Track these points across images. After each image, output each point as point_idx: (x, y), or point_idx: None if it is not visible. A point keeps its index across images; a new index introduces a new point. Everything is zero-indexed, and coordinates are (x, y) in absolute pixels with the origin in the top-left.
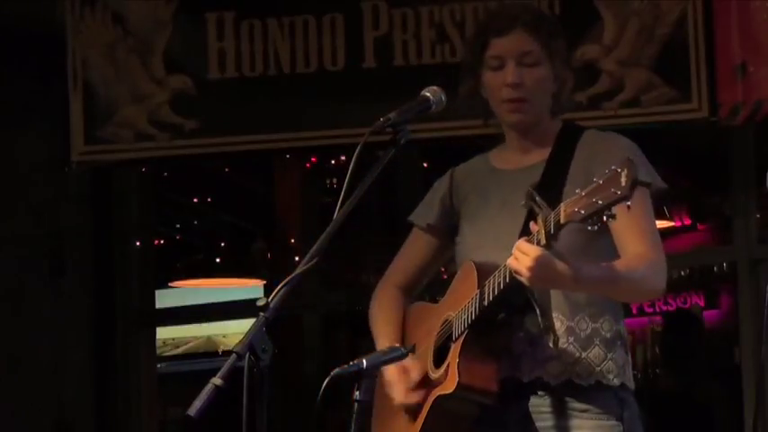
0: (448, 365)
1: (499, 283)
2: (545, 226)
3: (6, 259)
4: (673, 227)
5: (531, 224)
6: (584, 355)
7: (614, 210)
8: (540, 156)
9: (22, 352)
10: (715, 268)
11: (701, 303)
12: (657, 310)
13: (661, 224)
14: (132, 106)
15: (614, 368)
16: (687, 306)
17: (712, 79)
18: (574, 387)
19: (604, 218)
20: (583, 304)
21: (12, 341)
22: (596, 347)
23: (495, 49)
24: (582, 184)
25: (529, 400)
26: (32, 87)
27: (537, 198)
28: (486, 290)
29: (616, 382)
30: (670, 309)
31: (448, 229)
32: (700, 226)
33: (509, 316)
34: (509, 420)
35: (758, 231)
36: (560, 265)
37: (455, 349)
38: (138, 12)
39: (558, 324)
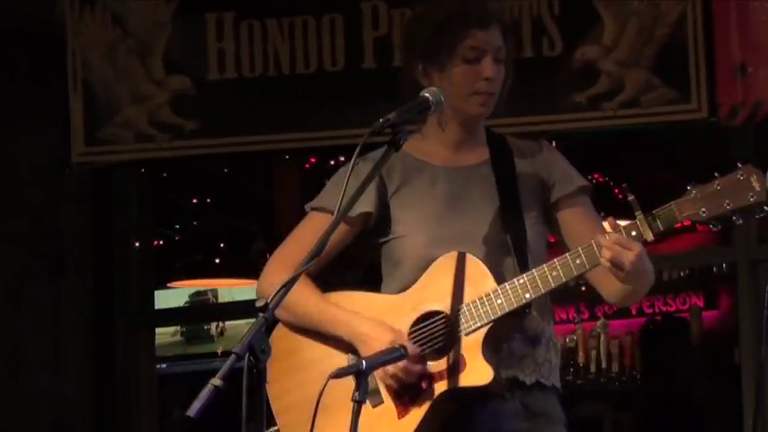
0: (461, 357)
1: (561, 274)
2: (648, 222)
3: (6, 259)
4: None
5: (610, 220)
6: (548, 356)
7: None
8: (477, 155)
9: (21, 352)
10: (714, 269)
11: (701, 304)
12: (657, 310)
13: None
14: (132, 107)
15: (556, 370)
16: (686, 307)
17: (712, 80)
18: (540, 387)
19: (733, 218)
20: (541, 304)
21: (11, 341)
22: (551, 349)
23: (474, 41)
24: (531, 189)
25: (502, 397)
26: (32, 88)
27: (630, 196)
28: (538, 282)
29: (557, 384)
30: (670, 309)
31: (376, 221)
32: (699, 226)
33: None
34: (483, 421)
35: (757, 232)
36: (649, 261)
37: (475, 342)
38: (137, 12)
39: (536, 323)
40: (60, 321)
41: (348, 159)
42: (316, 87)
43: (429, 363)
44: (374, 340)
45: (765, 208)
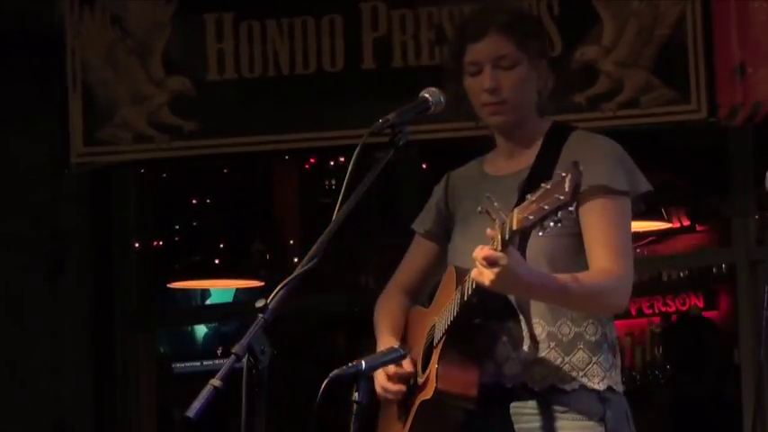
0: (429, 371)
1: (468, 288)
2: (501, 232)
3: (5, 260)
4: (671, 228)
5: (488, 231)
6: (566, 359)
7: (561, 215)
8: (527, 160)
9: (20, 353)
10: (714, 269)
11: (701, 305)
12: (657, 311)
13: (660, 225)
14: (131, 107)
15: (599, 372)
16: (686, 307)
17: (711, 80)
18: (557, 391)
19: (552, 223)
20: (565, 308)
21: (10, 342)
22: (580, 351)
23: (471, 56)
24: None
25: (510, 403)
26: (31, 89)
27: (495, 204)
28: (458, 296)
29: (601, 386)
30: (669, 310)
31: (445, 235)
32: (699, 227)
33: (486, 321)
34: (493, 424)
35: (757, 232)
36: (519, 273)
37: (435, 355)
38: (136, 13)
39: (538, 329)
40: (60, 322)
41: (348, 160)
42: (315, 88)
43: (421, 373)
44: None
45: (570, 209)
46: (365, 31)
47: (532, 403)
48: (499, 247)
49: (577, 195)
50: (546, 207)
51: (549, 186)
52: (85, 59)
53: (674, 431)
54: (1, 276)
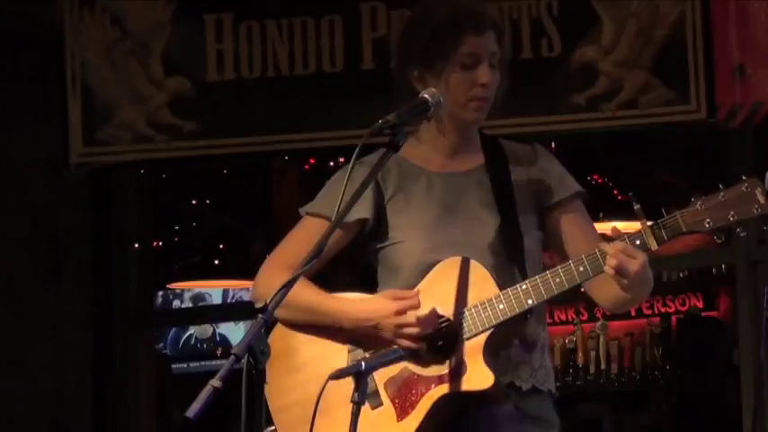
0: (462, 362)
1: (564, 281)
2: (653, 232)
3: (5, 261)
4: None
5: (613, 227)
6: (544, 362)
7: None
8: (472, 161)
9: (20, 353)
10: (714, 270)
11: (700, 305)
12: (656, 312)
13: None
14: (131, 108)
15: (551, 375)
16: (685, 308)
17: (711, 81)
18: (536, 392)
19: (737, 230)
20: (535, 310)
21: (10, 343)
22: (545, 354)
23: (471, 47)
24: (526, 195)
25: (500, 402)
26: (31, 89)
27: (636, 205)
28: (540, 288)
29: (553, 389)
30: (669, 311)
31: (372, 227)
32: None
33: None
34: (477, 423)
35: (757, 233)
36: (650, 270)
37: (477, 346)
38: (136, 13)
39: (530, 329)
40: (60, 322)
41: (347, 160)
42: (314, 88)
43: (431, 366)
44: (379, 313)
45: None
46: (364, 31)
47: (517, 406)
48: (655, 246)
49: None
50: (735, 216)
51: (724, 197)
52: (85, 60)
53: (675, 431)
54: (1, 276)
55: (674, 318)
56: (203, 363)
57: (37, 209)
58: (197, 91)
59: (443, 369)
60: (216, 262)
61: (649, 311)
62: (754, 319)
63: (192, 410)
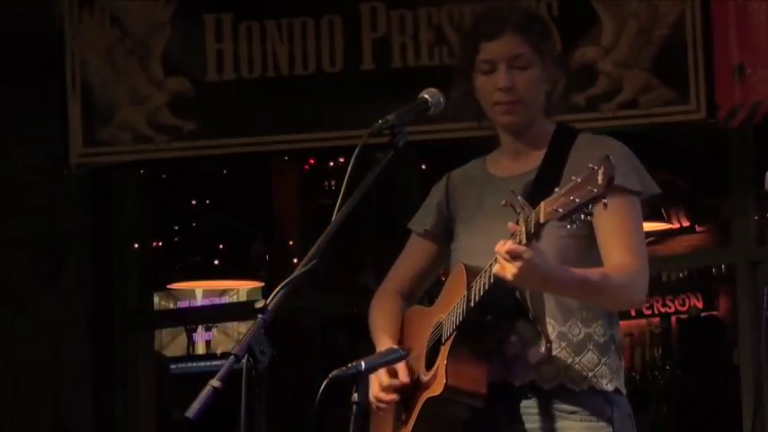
0: (437, 368)
1: (484, 284)
2: (526, 226)
3: (5, 261)
4: (671, 229)
5: (510, 224)
6: (576, 360)
7: (593, 208)
8: (534, 161)
9: (20, 353)
10: (713, 270)
11: (700, 305)
12: (656, 312)
13: (659, 226)
14: (131, 108)
15: (608, 373)
16: (685, 308)
17: (710, 81)
18: (566, 391)
19: (582, 216)
20: (575, 309)
21: (10, 343)
22: (589, 352)
23: (485, 54)
24: None
25: (519, 402)
26: (31, 89)
27: (519, 198)
28: (473, 292)
29: (609, 387)
30: (669, 311)
31: (445, 235)
32: (698, 228)
33: (497, 319)
34: (499, 422)
35: (757, 233)
36: (541, 267)
37: (444, 352)
38: (136, 13)
39: (549, 329)
40: (60, 322)
41: (347, 160)
42: (314, 88)
43: (421, 374)
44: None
45: (604, 201)
46: (364, 31)
47: (539, 402)
48: (524, 241)
49: (611, 188)
50: (577, 200)
51: (579, 179)
52: (85, 60)
53: (676, 431)
54: (1, 276)
55: (674, 318)
56: (203, 363)
57: (37, 209)
58: (197, 91)
59: (430, 374)
60: (216, 262)
61: (649, 311)
62: (754, 319)
63: (192, 410)
